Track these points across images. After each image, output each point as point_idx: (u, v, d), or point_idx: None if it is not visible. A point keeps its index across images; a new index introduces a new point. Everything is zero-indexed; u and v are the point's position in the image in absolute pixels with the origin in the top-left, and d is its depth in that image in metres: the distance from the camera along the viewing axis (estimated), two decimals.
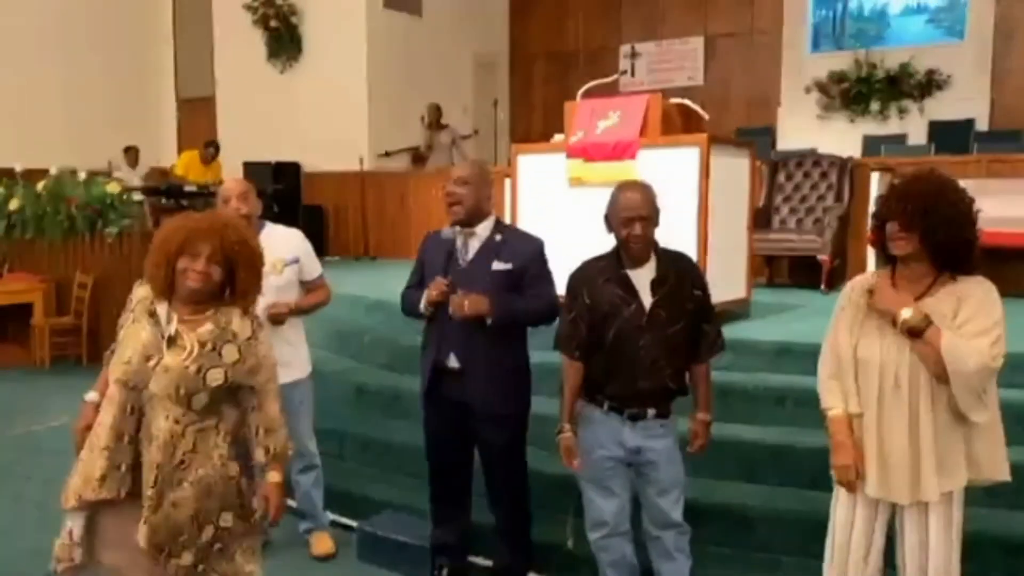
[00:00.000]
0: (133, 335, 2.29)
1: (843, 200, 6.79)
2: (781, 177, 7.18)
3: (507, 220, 5.22)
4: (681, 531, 2.97)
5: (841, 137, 9.46)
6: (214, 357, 2.27)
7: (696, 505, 3.16)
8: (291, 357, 3.64)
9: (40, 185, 7.59)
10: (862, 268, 6.25)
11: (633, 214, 2.81)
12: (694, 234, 4.41)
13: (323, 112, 10.26)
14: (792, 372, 3.96)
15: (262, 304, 3.48)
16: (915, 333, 2.30)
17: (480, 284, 3.12)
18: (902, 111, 9.86)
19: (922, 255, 2.35)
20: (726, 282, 4.63)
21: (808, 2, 10.52)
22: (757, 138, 7.73)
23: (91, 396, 2.46)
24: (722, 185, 4.56)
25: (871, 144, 9.12)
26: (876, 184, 6.41)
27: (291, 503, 3.98)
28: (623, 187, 2.93)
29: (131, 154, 10.21)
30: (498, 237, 3.21)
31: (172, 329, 2.27)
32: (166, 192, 9.28)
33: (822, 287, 6.26)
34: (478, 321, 3.07)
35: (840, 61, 10.19)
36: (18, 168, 8.14)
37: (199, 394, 2.25)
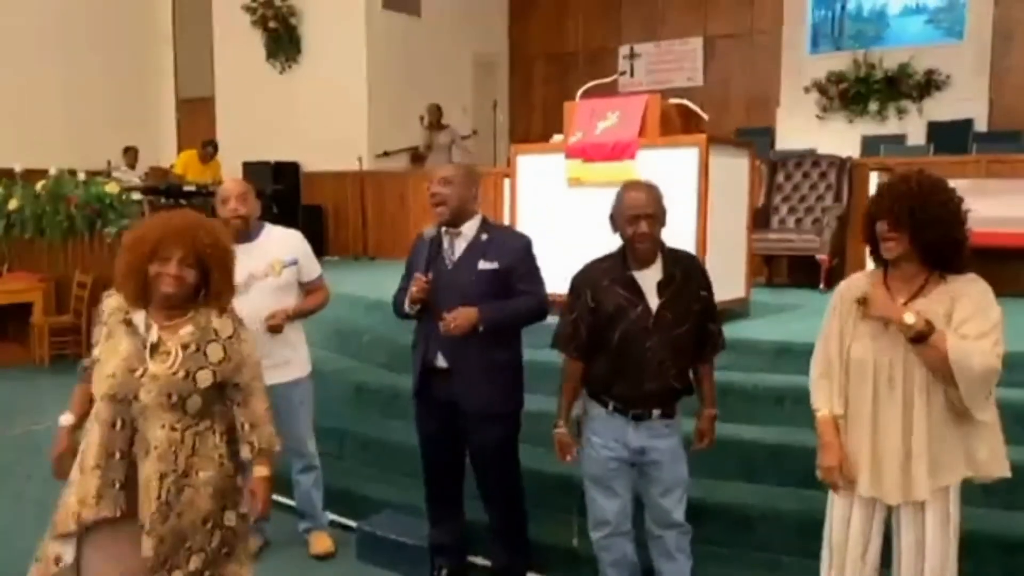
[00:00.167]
0: (112, 349, 2.24)
1: (842, 200, 6.80)
2: (780, 177, 7.19)
3: (506, 220, 5.23)
4: (683, 531, 2.97)
5: (840, 137, 9.47)
6: (200, 358, 2.25)
7: (696, 505, 3.16)
8: (291, 356, 3.65)
9: (39, 185, 7.59)
10: (861, 267, 6.20)
11: (639, 212, 2.80)
12: (693, 234, 4.42)
13: (322, 112, 10.25)
14: (791, 372, 3.96)
15: (258, 306, 3.51)
16: (920, 339, 2.29)
17: (467, 284, 3.12)
18: (901, 111, 9.86)
19: (912, 255, 2.35)
20: (725, 282, 4.62)
21: (807, 3, 10.52)
22: (756, 138, 7.74)
23: (65, 419, 2.39)
24: (721, 185, 4.57)
25: (870, 144, 9.13)
26: (875, 184, 6.41)
27: (290, 503, 3.99)
28: (628, 186, 2.93)
29: (130, 154, 10.20)
30: (484, 236, 3.20)
31: (153, 336, 2.24)
32: (165, 192, 9.28)
33: (821, 287, 6.27)
34: (471, 329, 3.07)
35: (839, 61, 10.19)
36: (18, 168, 8.14)
37: (192, 397, 2.23)
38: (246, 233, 3.57)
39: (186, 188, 9.26)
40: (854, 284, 2.53)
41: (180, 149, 11.22)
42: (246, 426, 2.39)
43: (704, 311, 2.93)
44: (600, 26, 12.01)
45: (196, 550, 2.26)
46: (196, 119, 11.63)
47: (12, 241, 7.81)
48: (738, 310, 4.99)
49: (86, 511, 2.18)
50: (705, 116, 5.00)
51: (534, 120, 12.02)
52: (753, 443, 3.67)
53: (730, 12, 11.05)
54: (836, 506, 2.54)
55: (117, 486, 2.19)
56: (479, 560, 3.55)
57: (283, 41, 10.68)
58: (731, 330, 3.88)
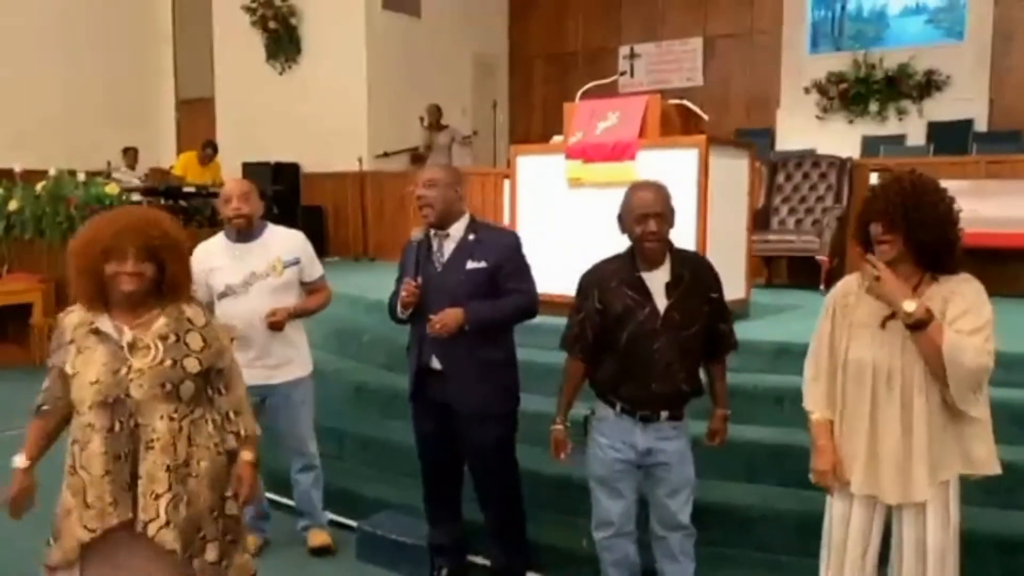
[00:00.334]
0: (87, 361, 2.20)
1: (842, 201, 6.81)
2: (780, 178, 7.19)
3: (506, 221, 5.24)
4: (688, 533, 2.97)
5: (840, 138, 9.47)
6: (181, 347, 2.25)
7: (696, 505, 3.15)
8: (292, 355, 3.65)
9: (39, 186, 7.59)
10: (860, 268, 6.24)
11: (648, 210, 2.79)
12: (693, 235, 4.42)
13: (322, 113, 10.25)
14: (791, 372, 3.93)
15: (259, 305, 3.51)
16: (917, 326, 2.28)
17: (456, 285, 3.13)
18: (901, 112, 9.86)
19: (906, 256, 2.35)
20: (725, 282, 4.58)
21: (807, 3, 10.52)
22: (756, 139, 7.74)
23: (20, 462, 2.30)
24: (721, 186, 4.57)
25: (870, 145, 9.13)
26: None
27: (290, 502, 3.99)
28: (636, 186, 2.92)
29: (130, 155, 10.20)
30: (471, 236, 3.20)
31: (128, 337, 2.22)
32: (165, 193, 9.29)
33: (821, 287, 6.26)
34: (458, 329, 3.08)
35: (839, 62, 10.19)
36: (17, 169, 8.14)
37: (185, 383, 2.23)
38: (248, 232, 3.58)
39: (186, 189, 9.27)
40: (847, 287, 2.53)
41: (180, 150, 11.23)
42: (231, 413, 2.39)
43: (714, 312, 2.91)
44: (600, 26, 12.00)
45: (210, 539, 2.27)
46: (196, 119, 11.63)
47: (12, 242, 7.81)
48: (738, 311, 4.97)
49: (104, 521, 2.15)
50: (705, 117, 5.00)
51: (534, 120, 12.02)
52: (753, 443, 3.67)
53: (730, 12, 11.04)
54: (835, 506, 2.54)
55: (127, 488, 2.18)
56: (479, 560, 3.55)
57: (283, 41, 10.68)
58: None
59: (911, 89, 9.79)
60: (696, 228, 4.43)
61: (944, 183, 2.42)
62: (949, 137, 8.96)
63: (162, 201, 9.36)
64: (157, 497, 2.18)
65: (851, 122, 10.07)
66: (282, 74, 10.80)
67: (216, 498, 2.28)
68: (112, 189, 7.62)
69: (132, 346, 2.21)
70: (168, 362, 2.21)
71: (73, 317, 2.28)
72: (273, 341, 3.55)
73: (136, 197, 8.72)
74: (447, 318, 3.06)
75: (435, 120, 10.11)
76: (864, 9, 10.29)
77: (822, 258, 6.37)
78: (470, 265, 3.15)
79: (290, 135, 10.36)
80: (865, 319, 2.43)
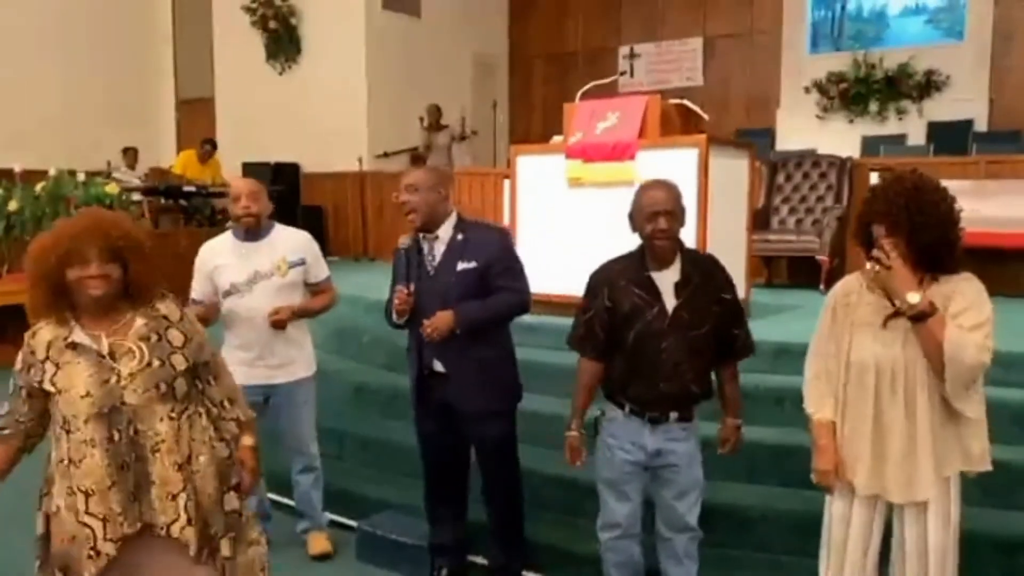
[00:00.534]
0: (70, 375, 2.14)
1: (842, 201, 6.81)
2: (780, 178, 7.19)
3: (506, 221, 5.24)
4: (693, 536, 2.96)
5: (840, 138, 9.47)
6: (165, 346, 2.21)
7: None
8: (295, 355, 3.65)
9: (39, 186, 7.58)
10: (860, 268, 6.24)
11: (658, 208, 2.78)
12: (693, 235, 4.41)
13: (322, 113, 10.25)
14: (791, 372, 3.94)
15: (262, 304, 3.52)
16: (920, 318, 2.28)
17: (448, 287, 3.13)
18: (901, 112, 9.86)
19: (908, 257, 2.34)
20: None
21: (807, 3, 10.52)
22: (756, 139, 7.74)
23: None
24: (721, 186, 4.56)
25: (870, 145, 9.13)
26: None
27: (290, 503, 3.99)
28: (647, 184, 2.90)
29: (130, 155, 10.20)
30: (460, 236, 3.20)
31: (104, 346, 2.15)
32: (165, 192, 9.29)
33: (821, 287, 6.26)
34: (451, 332, 3.09)
35: (839, 62, 10.19)
36: (17, 169, 8.13)
37: (177, 381, 2.21)
38: (256, 231, 3.59)
39: (186, 188, 9.27)
40: (848, 286, 2.53)
41: (180, 149, 11.22)
42: (225, 402, 2.37)
43: (726, 313, 2.89)
44: (600, 26, 12.00)
45: (222, 535, 2.26)
46: (196, 119, 11.63)
47: (12, 242, 7.80)
48: None
49: (114, 531, 2.12)
50: (705, 116, 5.00)
51: (534, 120, 12.02)
52: (753, 443, 3.66)
53: (730, 12, 11.04)
54: (835, 506, 2.54)
55: (135, 497, 2.14)
56: (479, 560, 3.55)
57: (283, 41, 10.67)
58: None
59: (911, 89, 9.79)
60: (696, 228, 4.43)
61: (944, 183, 2.42)
62: (949, 137, 8.96)
63: (162, 201, 9.37)
64: (174, 497, 2.16)
65: (851, 122, 10.07)
66: (282, 74, 10.79)
67: (218, 493, 2.27)
68: (112, 189, 7.61)
69: (113, 353, 2.16)
70: (156, 363, 2.18)
71: (44, 334, 2.20)
72: (276, 340, 3.55)
73: (136, 197, 8.72)
74: (438, 322, 3.07)
75: (435, 120, 10.11)
76: (864, 9, 10.29)
77: (822, 258, 6.37)
78: (460, 266, 3.15)
79: (290, 135, 10.36)
80: (867, 318, 2.43)
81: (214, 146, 10.09)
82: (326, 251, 3.92)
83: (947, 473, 2.39)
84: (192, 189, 9.31)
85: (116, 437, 2.13)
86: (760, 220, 6.62)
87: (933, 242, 2.32)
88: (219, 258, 3.57)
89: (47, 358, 2.17)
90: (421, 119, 10.19)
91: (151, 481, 2.15)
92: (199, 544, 2.18)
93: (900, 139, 9.37)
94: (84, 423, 2.12)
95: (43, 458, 2.29)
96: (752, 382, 4.00)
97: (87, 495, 2.12)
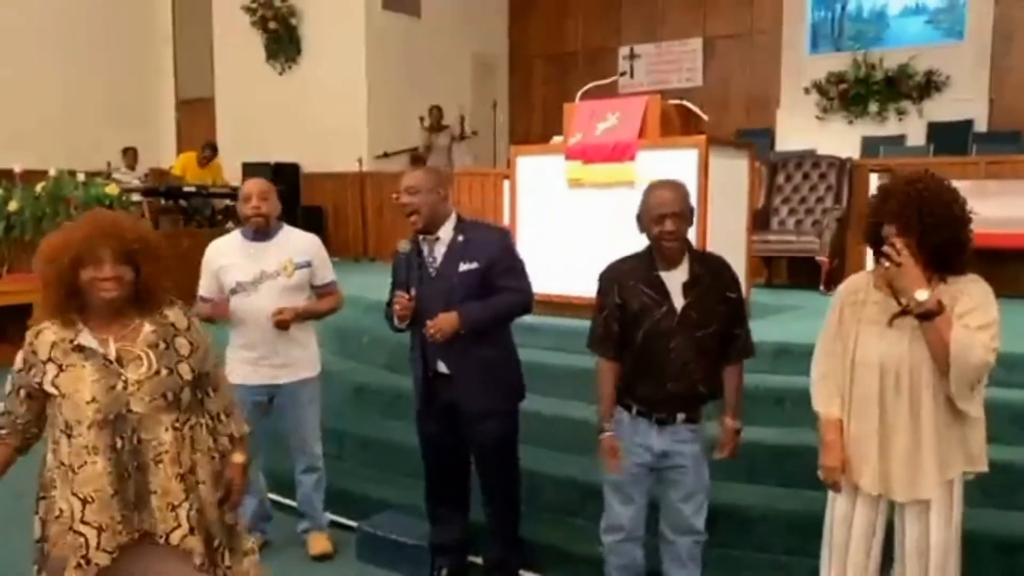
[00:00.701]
0: (75, 379, 2.10)
1: (842, 201, 6.81)
2: (780, 178, 7.19)
3: (506, 221, 5.24)
4: (698, 539, 2.95)
5: (840, 138, 9.47)
6: (172, 354, 2.18)
7: None
8: (300, 356, 3.66)
9: (39, 186, 7.58)
10: (861, 268, 6.22)
11: (665, 210, 2.77)
12: (693, 235, 4.40)
13: (322, 113, 10.25)
14: (791, 372, 3.96)
15: (267, 304, 3.52)
16: (927, 316, 2.28)
17: (451, 289, 3.13)
18: (901, 112, 9.86)
19: (917, 258, 2.34)
20: None
21: (807, 3, 10.52)
22: (756, 139, 7.74)
23: None
24: (721, 186, 4.56)
25: (870, 145, 9.13)
26: (875, 185, 6.40)
27: (291, 503, 3.99)
28: (654, 185, 2.90)
29: (130, 155, 10.20)
30: (460, 237, 3.20)
31: (112, 351, 2.12)
32: (165, 193, 9.29)
33: (821, 288, 6.27)
34: (455, 333, 3.09)
35: (839, 62, 10.19)
36: (17, 169, 8.13)
37: (184, 391, 2.18)
38: (265, 232, 3.60)
39: (186, 189, 9.27)
40: (855, 284, 2.53)
41: (180, 150, 11.23)
42: (222, 415, 2.34)
43: (730, 312, 2.89)
44: (600, 26, 12.00)
45: (224, 547, 2.24)
46: (196, 120, 11.63)
47: (12, 242, 7.80)
48: None
49: (109, 541, 2.08)
50: (705, 117, 5.00)
51: (534, 121, 12.02)
52: (753, 444, 3.66)
53: (730, 12, 11.04)
54: (837, 505, 2.54)
55: (134, 506, 2.11)
56: (479, 560, 3.55)
57: (283, 41, 10.68)
58: None
59: (911, 89, 9.79)
60: (696, 229, 4.41)
61: None
62: (949, 137, 8.96)
63: (162, 201, 9.37)
64: (175, 508, 2.13)
65: (851, 122, 10.07)
66: (282, 74, 10.79)
67: (217, 503, 2.25)
68: (112, 189, 7.61)
69: (120, 359, 2.13)
70: (164, 371, 2.15)
71: (48, 335, 2.15)
72: (281, 340, 3.56)
73: (136, 197, 8.72)
74: (441, 323, 3.07)
75: (436, 121, 10.11)
76: (864, 9, 10.29)
77: (822, 258, 6.37)
78: (463, 267, 3.15)
79: (290, 135, 10.36)
80: (873, 317, 2.43)
81: (214, 150, 10.09)
82: (326, 251, 3.93)
83: (951, 476, 2.39)
84: (192, 190, 9.31)
85: (119, 445, 2.09)
86: (760, 220, 6.62)
87: (944, 243, 2.32)
88: (226, 257, 3.59)
89: (50, 359, 2.13)
90: (421, 119, 10.19)
91: (151, 491, 2.12)
92: (205, 554, 2.16)
93: (900, 139, 9.36)
94: (87, 429, 2.08)
95: (38, 459, 2.25)
96: (752, 382, 3.99)
97: (85, 502, 2.08)
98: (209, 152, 10.02)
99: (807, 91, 10.35)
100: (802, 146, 8.54)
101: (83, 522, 2.08)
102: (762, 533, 3.38)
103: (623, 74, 11.16)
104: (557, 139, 5.15)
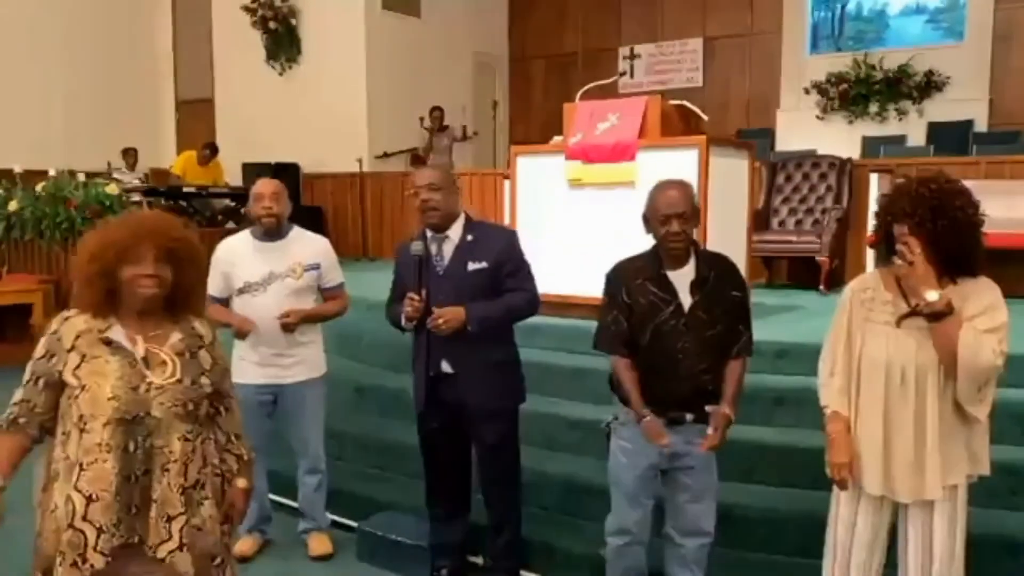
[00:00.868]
0: (97, 372, 2.06)
1: (842, 201, 6.80)
2: (780, 178, 7.18)
3: (506, 221, 5.23)
4: (704, 541, 2.94)
5: (840, 138, 9.47)
6: (196, 365, 2.17)
7: None
8: (305, 356, 3.67)
9: (39, 187, 7.58)
10: (861, 269, 6.24)
11: (671, 211, 2.77)
12: (693, 235, 4.41)
13: (322, 113, 10.25)
14: (791, 373, 3.96)
15: (274, 304, 3.53)
16: (936, 317, 2.28)
17: (460, 288, 3.13)
18: (901, 112, 9.86)
19: (929, 257, 2.33)
20: None
21: (807, 3, 10.52)
22: (756, 139, 7.73)
23: None
24: (721, 187, 4.56)
25: (870, 145, 9.13)
26: (875, 185, 6.41)
27: (292, 503, 3.99)
28: (660, 185, 2.89)
29: (130, 156, 10.20)
30: (469, 237, 3.21)
31: (141, 350, 2.10)
32: (165, 193, 9.28)
33: (821, 288, 6.27)
34: (461, 328, 3.08)
35: (839, 62, 10.19)
36: (17, 169, 8.13)
37: (202, 404, 2.17)
38: (276, 232, 3.61)
39: (186, 189, 9.26)
40: (864, 283, 2.53)
41: (180, 150, 11.21)
42: (231, 436, 2.32)
43: (734, 310, 2.88)
44: (600, 27, 12.00)
45: (226, 563, 2.20)
46: (196, 120, 11.62)
47: (12, 242, 7.80)
48: None
49: (106, 543, 2.02)
50: (705, 117, 5.00)
51: (534, 120, 12.01)
52: (753, 444, 3.67)
53: (730, 13, 11.04)
54: (841, 506, 2.53)
55: (133, 511, 2.06)
56: (479, 560, 3.55)
57: (283, 42, 10.66)
58: None
59: (911, 89, 9.79)
60: (696, 229, 4.42)
61: None
62: (949, 137, 8.96)
63: (163, 202, 9.36)
64: (169, 520, 2.08)
65: (851, 123, 10.07)
66: (282, 74, 10.79)
67: (219, 520, 2.21)
68: (112, 189, 7.60)
69: (148, 361, 2.10)
70: (187, 381, 2.13)
71: (76, 322, 2.12)
72: (286, 340, 3.58)
73: (136, 197, 8.71)
74: (449, 314, 3.06)
75: (437, 122, 10.11)
76: (864, 9, 10.29)
77: (822, 259, 6.36)
78: (471, 266, 3.16)
79: (290, 135, 10.35)
80: (882, 317, 2.43)
81: (214, 150, 10.08)
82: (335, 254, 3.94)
83: (955, 480, 2.39)
84: (192, 190, 9.30)
85: (132, 447, 2.06)
86: (760, 221, 6.62)
87: (956, 245, 2.32)
88: (235, 256, 3.61)
89: (73, 348, 2.10)
90: (421, 119, 10.19)
91: (153, 499, 2.08)
92: (197, 572, 2.11)
93: (900, 140, 9.36)
94: (102, 426, 2.04)
95: (39, 450, 2.20)
96: (752, 382, 3.99)
97: (89, 500, 2.04)
98: (209, 152, 10.01)
99: (807, 91, 10.36)
100: (802, 146, 8.54)
101: (85, 520, 2.04)
102: (762, 534, 3.38)
103: (623, 74, 11.15)
104: (557, 139, 5.15)
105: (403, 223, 9.38)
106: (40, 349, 2.14)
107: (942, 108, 9.62)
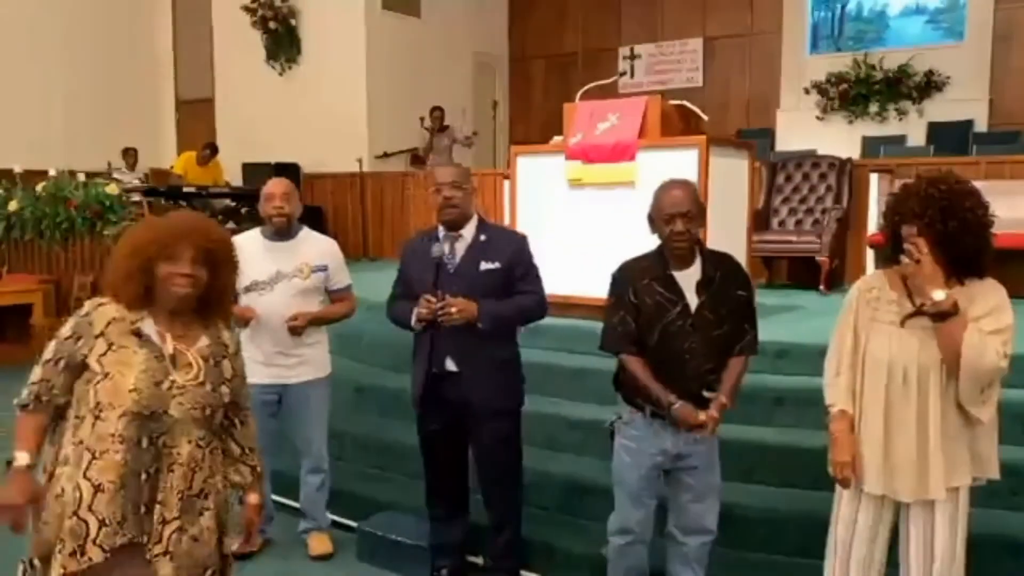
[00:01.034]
0: (123, 362, 2.06)
1: (842, 201, 6.80)
2: (780, 178, 7.18)
3: (506, 221, 5.23)
4: (707, 540, 2.94)
5: (840, 138, 9.48)
6: (219, 372, 2.17)
7: None
8: (310, 356, 3.69)
9: (39, 187, 7.58)
10: (861, 269, 6.25)
11: (675, 211, 2.77)
12: (698, 235, 4.41)
13: (322, 113, 10.25)
14: (791, 373, 3.96)
15: (280, 304, 3.53)
16: (942, 317, 2.28)
17: (471, 287, 3.13)
18: (901, 112, 9.86)
19: (937, 258, 2.32)
20: None
21: (807, 3, 10.52)
22: (756, 139, 7.73)
23: (22, 459, 2.05)
24: (721, 187, 4.56)
25: (870, 145, 9.13)
26: (875, 185, 6.42)
27: (292, 503, 3.99)
28: (665, 185, 2.88)
29: (130, 155, 10.20)
30: (482, 237, 3.22)
31: (170, 347, 2.11)
32: (165, 193, 9.27)
33: (821, 288, 6.27)
34: (469, 324, 3.08)
35: (839, 62, 10.19)
36: (17, 169, 8.13)
37: (218, 411, 2.16)
38: (286, 232, 3.63)
39: (186, 190, 9.26)
40: (869, 282, 2.53)
41: (180, 150, 11.21)
42: (246, 448, 2.31)
43: (739, 310, 2.88)
44: (600, 27, 12.00)
45: (216, 574, 2.18)
46: (196, 120, 11.61)
47: (12, 242, 7.80)
48: None
49: (106, 539, 2.00)
50: (705, 117, 5.00)
51: (534, 120, 12.01)
52: (753, 444, 3.67)
53: (730, 13, 11.04)
54: (843, 505, 2.54)
55: (142, 510, 2.05)
56: (479, 560, 3.55)
57: (283, 42, 10.67)
58: None
59: (911, 89, 9.80)
60: (701, 228, 4.42)
61: None
62: (949, 137, 8.96)
63: (163, 201, 9.35)
64: (164, 523, 2.07)
65: (851, 123, 10.07)
66: (282, 74, 10.79)
67: (218, 533, 2.19)
68: (112, 190, 7.61)
69: (174, 359, 2.10)
70: (208, 386, 2.13)
71: (108, 309, 2.11)
72: (292, 340, 3.59)
73: (136, 197, 8.71)
74: (462, 304, 3.05)
75: (437, 123, 10.11)
76: (864, 9, 10.29)
77: (822, 259, 6.36)
78: (484, 266, 3.17)
79: (290, 135, 10.35)
80: (887, 316, 2.43)
81: (214, 151, 10.07)
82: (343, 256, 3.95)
83: (958, 481, 2.39)
84: (192, 190, 9.30)
85: (144, 443, 2.05)
86: (760, 221, 6.62)
87: (965, 246, 2.32)
88: (243, 254, 3.56)
89: (102, 334, 2.09)
90: (422, 119, 10.19)
91: (156, 500, 2.07)
92: None
93: (900, 140, 9.36)
94: (118, 417, 2.03)
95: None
96: (752, 382, 3.99)
97: (97, 490, 2.02)
98: (208, 152, 10.01)
99: (807, 91, 10.36)
100: (802, 146, 8.54)
101: (90, 509, 2.01)
102: (762, 534, 3.38)
103: (623, 74, 11.15)
104: (557, 139, 5.15)
105: (403, 223, 9.38)
106: (67, 329, 2.13)
107: (942, 108, 9.62)
